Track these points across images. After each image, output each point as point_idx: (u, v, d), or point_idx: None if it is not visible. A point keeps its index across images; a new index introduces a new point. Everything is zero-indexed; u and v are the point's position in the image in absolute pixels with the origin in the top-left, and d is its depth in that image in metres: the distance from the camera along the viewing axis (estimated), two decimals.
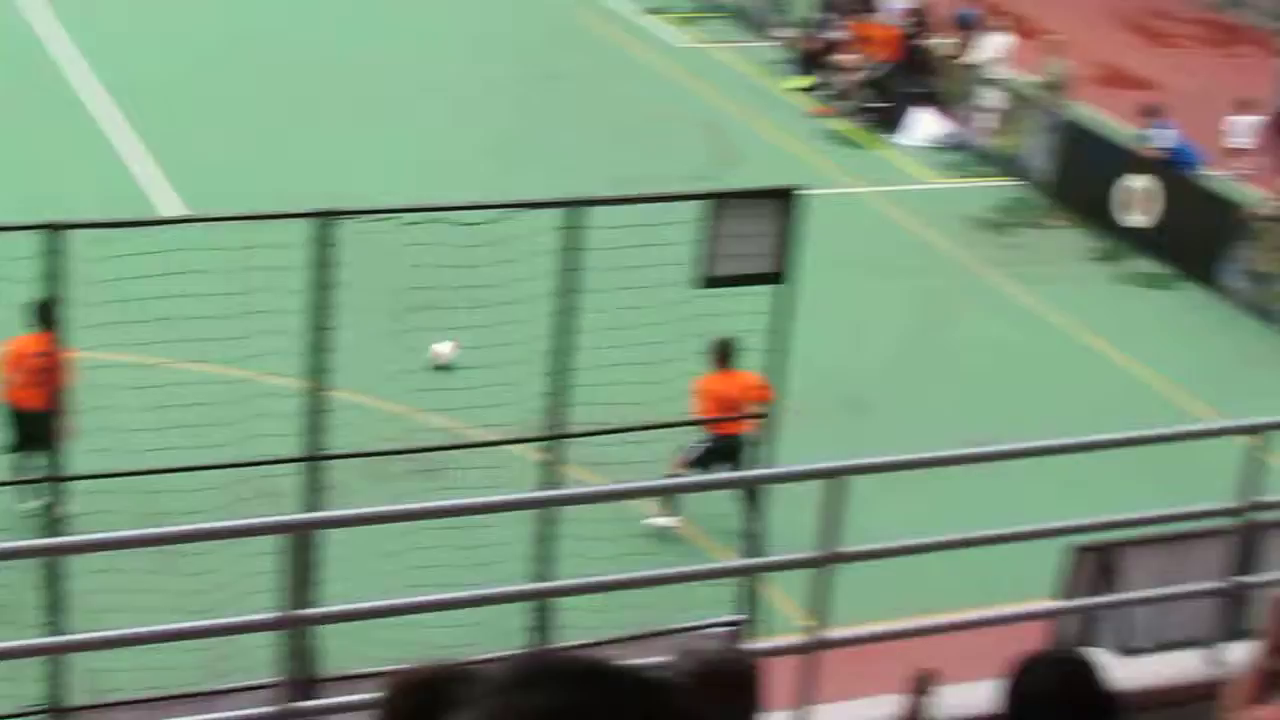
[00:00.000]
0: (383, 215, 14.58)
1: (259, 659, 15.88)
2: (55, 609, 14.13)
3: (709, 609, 15.96)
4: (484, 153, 29.82)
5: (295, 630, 7.37)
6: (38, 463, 17.20)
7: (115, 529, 15.45)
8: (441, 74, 34.36)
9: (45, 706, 14.52)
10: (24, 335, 17.61)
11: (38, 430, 17.73)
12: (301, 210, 13.89)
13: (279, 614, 7.40)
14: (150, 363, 18.58)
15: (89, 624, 15.07)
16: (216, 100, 31.71)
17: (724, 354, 19.29)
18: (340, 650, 15.82)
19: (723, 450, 19.12)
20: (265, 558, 15.95)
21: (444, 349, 21.57)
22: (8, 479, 18.12)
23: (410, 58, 34.94)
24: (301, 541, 7.30)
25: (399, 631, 16.01)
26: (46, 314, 17.32)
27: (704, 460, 19.32)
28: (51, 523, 14.04)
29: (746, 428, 18.56)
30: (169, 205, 27.17)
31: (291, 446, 15.71)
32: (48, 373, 16.05)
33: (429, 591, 14.35)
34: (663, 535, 19.60)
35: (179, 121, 30.55)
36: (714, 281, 15.46)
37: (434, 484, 18.16)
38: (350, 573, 15.82)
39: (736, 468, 18.83)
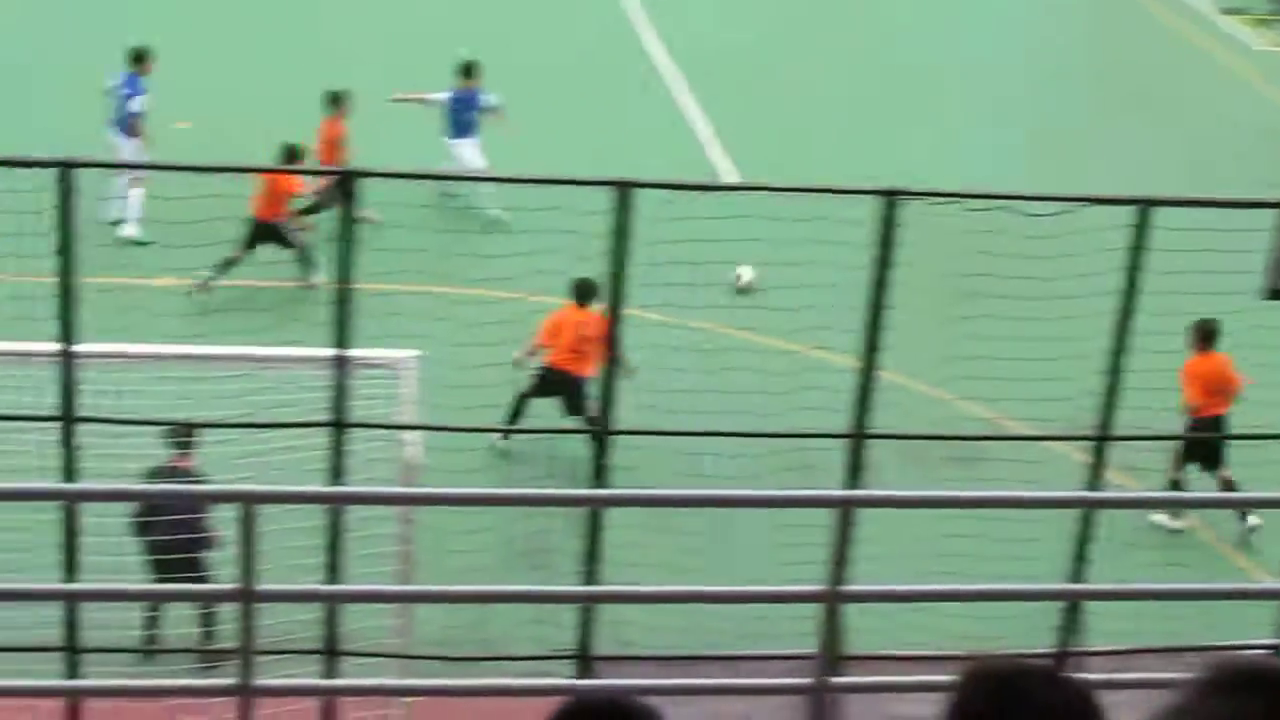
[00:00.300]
0: (948, 199, 14.41)
1: (786, 628, 16.02)
2: (591, 559, 14.43)
3: (1244, 626, 15.40)
4: (1040, 143, 29.36)
5: (832, 605, 7.29)
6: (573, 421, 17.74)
7: (653, 485, 15.83)
8: (995, 59, 33.94)
9: (573, 653, 14.86)
10: (570, 309, 18.21)
11: (573, 393, 18.27)
12: (869, 188, 13.82)
13: (819, 588, 7.34)
14: (702, 326, 18.84)
15: (617, 577, 15.39)
16: (780, 73, 31.98)
17: (1206, 336, 18.80)
18: (866, 630, 15.81)
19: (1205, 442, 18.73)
20: (796, 530, 16.18)
21: (746, 272, 21.13)
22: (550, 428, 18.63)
23: (966, 43, 34.62)
24: (845, 518, 7.22)
25: (926, 617, 15.92)
26: (586, 291, 17.88)
27: (1194, 455, 18.90)
28: (597, 474, 14.33)
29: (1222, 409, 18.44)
30: (727, 172, 27.53)
31: (832, 422, 15.73)
32: (588, 345, 16.53)
33: (959, 580, 14.22)
34: (1172, 536, 19.08)
35: (741, 91, 30.93)
36: None
37: (970, 473, 17.97)
38: (881, 554, 15.78)
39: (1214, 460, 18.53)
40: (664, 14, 34.42)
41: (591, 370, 18.08)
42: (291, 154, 22.59)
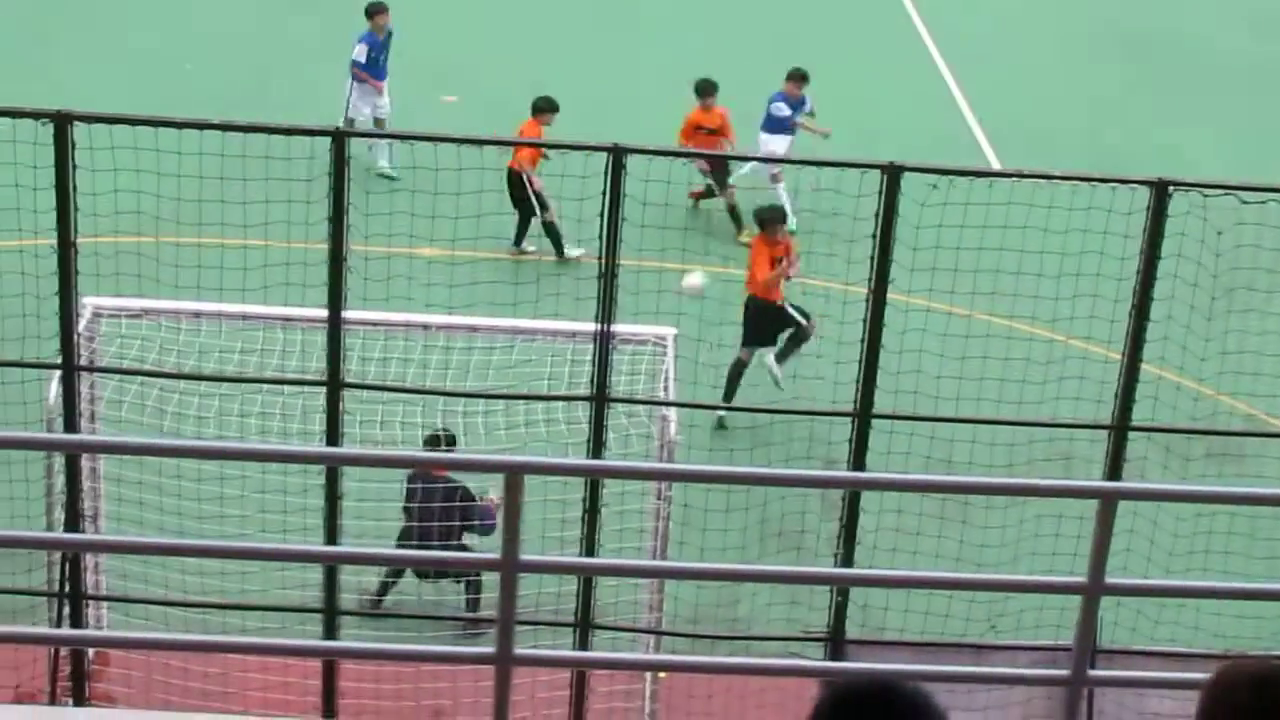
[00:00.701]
0: (1221, 191, 14.18)
1: (1030, 619, 15.90)
2: (845, 541, 14.44)
3: None
4: None
5: (1092, 598, 7.22)
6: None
7: (907, 471, 15.77)
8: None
9: (824, 635, 14.89)
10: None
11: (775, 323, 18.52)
12: (1139, 178, 13.65)
13: (1079, 579, 7.28)
14: (961, 312, 18.72)
15: (871, 561, 15.38)
16: (1047, 60, 31.61)
17: None
18: (1114, 624, 15.65)
19: None
20: (1047, 520, 16.04)
21: (694, 280, 20.11)
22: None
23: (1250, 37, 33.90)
24: (1108, 509, 7.15)
25: (1182, 613, 15.72)
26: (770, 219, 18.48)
27: None
28: (854, 456, 14.33)
29: None
30: (993, 159, 27.32)
31: (1093, 414, 15.56)
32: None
33: (1216, 578, 14.03)
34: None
35: (1007, 76, 30.65)
36: None
37: (1232, 470, 17.67)
38: (1135, 547, 15.60)
39: None
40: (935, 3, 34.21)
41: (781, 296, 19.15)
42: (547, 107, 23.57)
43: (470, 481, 16.48)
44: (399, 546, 16.50)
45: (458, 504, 16.31)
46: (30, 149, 14.20)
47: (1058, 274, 16.18)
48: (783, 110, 25.39)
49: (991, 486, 8.92)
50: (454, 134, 14.48)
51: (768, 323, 19.35)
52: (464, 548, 16.40)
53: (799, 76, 25.83)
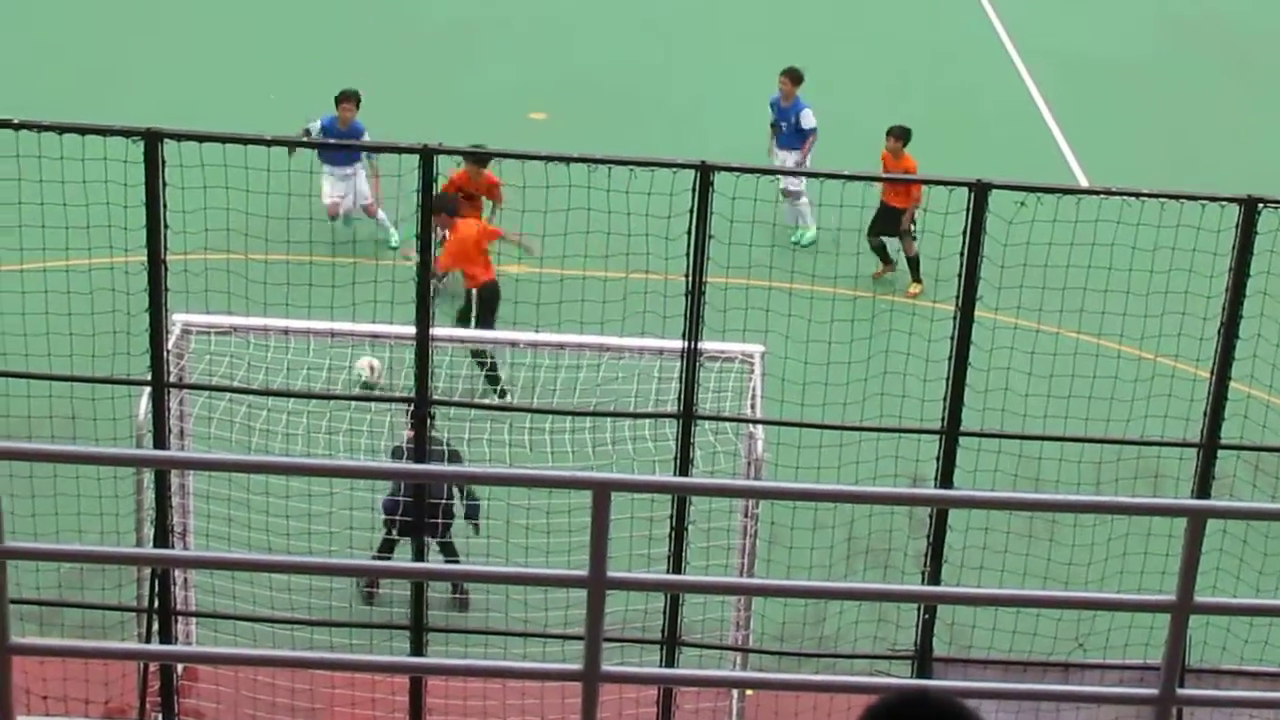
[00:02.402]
0: None
1: (1119, 638, 15.80)
2: (933, 559, 14.40)
3: None
4: None
5: (1181, 616, 7.17)
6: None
7: (995, 489, 15.71)
8: None
9: (911, 652, 14.85)
10: None
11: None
12: (1226, 195, 13.55)
13: (1168, 598, 7.23)
14: (1049, 330, 18.63)
15: (958, 578, 15.32)
16: (1137, 71, 31.43)
17: None
18: (1209, 642, 15.53)
19: None
20: (1136, 538, 15.94)
21: (366, 364, 19.44)
22: None
23: None
24: (1197, 527, 7.10)
25: (1271, 632, 15.59)
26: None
27: None
28: (942, 474, 14.29)
29: None
30: (1080, 175, 27.20)
31: (1182, 432, 15.46)
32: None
33: None
34: None
35: (1099, 94, 30.50)
36: None
37: None
38: (1224, 565, 15.49)
39: None
40: (1018, 15, 34.05)
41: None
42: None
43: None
44: (387, 517, 16.57)
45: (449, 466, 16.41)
46: (121, 167, 14.33)
47: (1146, 291, 16.09)
48: (811, 120, 24.98)
49: (1079, 504, 8.85)
50: (542, 151, 14.53)
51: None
52: (450, 511, 16.53)
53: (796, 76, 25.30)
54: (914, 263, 23.33)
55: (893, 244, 23.53)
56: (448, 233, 20.52)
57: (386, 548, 16.87)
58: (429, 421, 16.49)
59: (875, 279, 23.13)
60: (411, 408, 16.42)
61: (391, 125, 21.96)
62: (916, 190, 22.78)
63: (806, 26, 32.84)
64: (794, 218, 24.63)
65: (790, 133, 24.93)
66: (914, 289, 22.96)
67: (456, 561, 16.67)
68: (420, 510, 15.22)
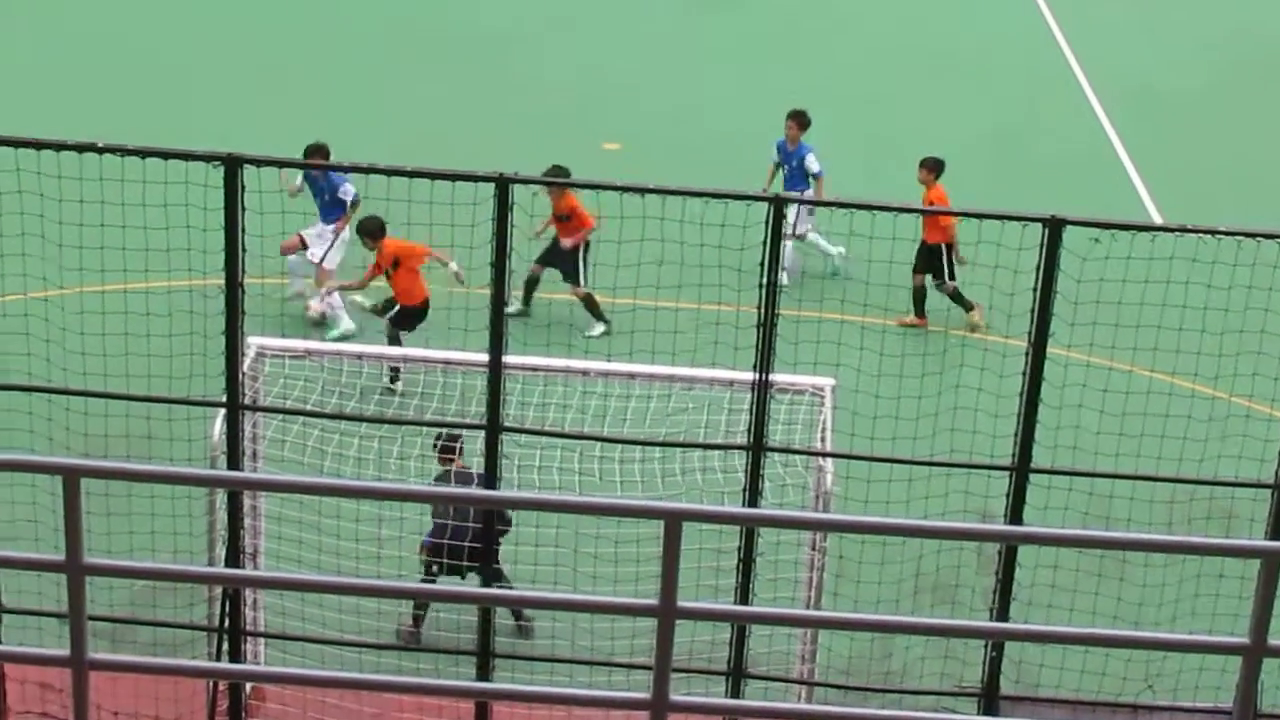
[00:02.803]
0: None
1: (1189, 680, 15.72)
2: (1001, 596, 14.36)
3: None
4: None
5: (1255, 659, 7.15)
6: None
7: (1065, 526, 15.67)
8: None
9: (978, 689, 14.81)
10: None
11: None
12: None
13: (1241, 640, 7.21)
14: (1122, 368, 18.58)
15: (1026, 616, 15.28)
16: (1210, 107, 31.30)
17: None
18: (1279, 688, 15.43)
19: None
20: (1208, 579, 15.86)
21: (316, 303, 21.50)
22: None
23: None
24: (1272, 569, 7.07)
25: None
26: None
27: None
28: (1012, 511, 14.25)
29: None
30: (1154, 211, 27.11)
31: (1257, 472, 15.38)
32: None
33: None
34: None
35: (1173, 127, 30.41)
36: None
37: None
38: None
39: None
40: (1092, 49, 33.99)
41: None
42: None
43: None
44: (432, 545, 16.65)
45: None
46: (201, 191, 14.46)
47: (1220, 330, 16.03)
48: (815, 165, 24.54)
49: (1150, 543, 8.79)
50: (615, 181, 14.59)
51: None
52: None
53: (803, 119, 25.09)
54: (956, 297, 23.21)
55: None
56: (375, 254, 21.30)
57: (448, 572, 16.94)
58: (458, 449, 16.61)
59: (899, 325, 22.92)
60: (439, 440, 16.55)
61: (464, 154, 22.09)
62: (947, 223, 22.61)
63: (876, 59, 32.86)
64: (794, 263, 24.06)
65: (795, 175, 24.82)
66: (974, 317, 22.70)
67: (508, 587, 16.73)
68: (491, 534, 15.32)
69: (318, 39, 32.58)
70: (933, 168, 23.49)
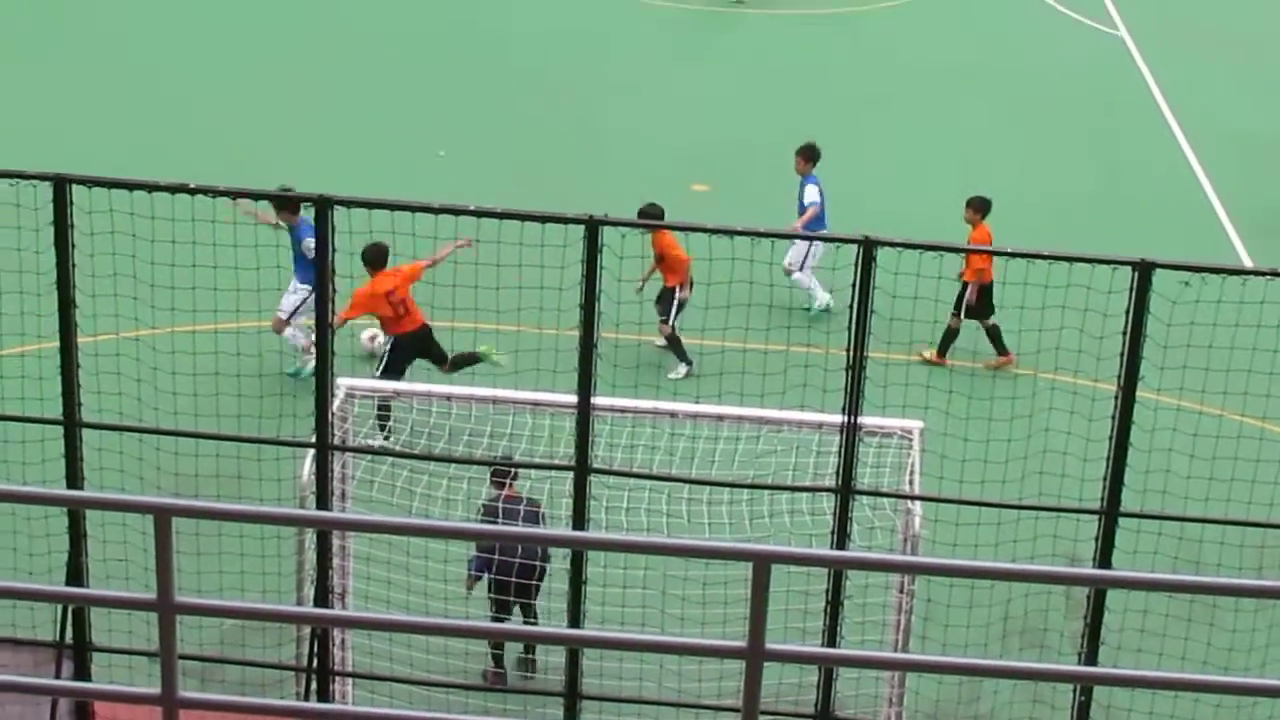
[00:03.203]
0: None
1: None
2: (1090, 640, 14.27)
3: None
4: None
5: None
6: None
7: (1154, 570, 15.55)
8: None
9: None
10: None
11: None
12: None
13: None
14: (1212, 412, 18.47)
15: (1114, 660, 15.16)
16: None
17: None
18: None
19: None
20: None
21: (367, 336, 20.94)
22: None
23: None
24: None
25: None
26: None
27: None
28: (1101, 555, 14.18)
29: None
30: (1244, 254, 26.94)
31: None
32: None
33: None
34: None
35: (1262, 170, 30.24)
36: None
37: None
38: None
39: None
40: (1183, 92, 33.87)
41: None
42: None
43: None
44: (478, 575, 16.74)
45: (539, 527, 16.60)
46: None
47: None
48: (810, 196, 24.38)
49: (1240, 588, 8.71)
50: (705, 223, 14.62)
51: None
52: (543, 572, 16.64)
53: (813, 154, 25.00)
54: (950, 335, 22.94)
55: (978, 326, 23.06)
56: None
57: (500, 607, 16.99)
58: (512, 476, 16.65)
59: (986, 368, 22.80)
60: (493, 471, 16.58)
61: (551, 197, 22.19)
62: (980, 262, 22.41)
63: (969, 103, 32.82)
64: (811, 284, 24.08)
65: (800, 207, 24.83)
66: (997, 361, 22.80)
67: (535, 623, 16.77)
68: (541, 567, 15.38)
69: (410, 82, 32.81)
70: (979, 207, 23.40)
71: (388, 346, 20.73)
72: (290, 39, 35.26)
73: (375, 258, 20.55)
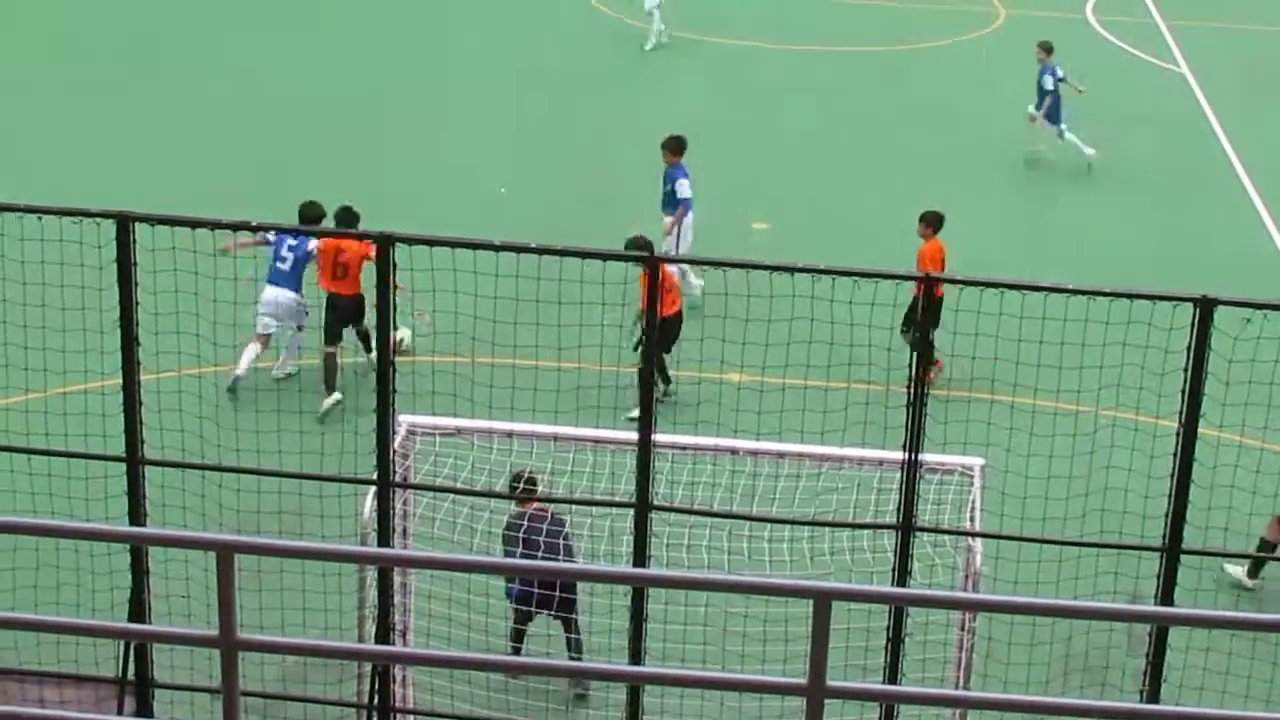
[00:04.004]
0: None
1: None
2: (1152, 678, 14.20)
3: None
4: None
5: None
6: None
7: (1216, 608, 15.46)
8: None
9: None
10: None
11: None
12: None
13: None
14: (1275, 449, 18.37)
15: (1177, 698, 15.08)
16: None
17: None
18: None
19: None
20: None
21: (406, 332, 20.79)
22: None
23: None
24: None
25: None
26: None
27: None
28: (1163, 592, 14.11)
29: None
30: None
31: None
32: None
33: None
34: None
35: None
36: None
37: None
38: None
39: None
40: (1247, 133, 33.75)
41: None
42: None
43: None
44: (520, 594, 16.78)
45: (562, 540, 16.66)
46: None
47: None
48: (684, 190, 25.42)
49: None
50: (765, 260, 14.64)
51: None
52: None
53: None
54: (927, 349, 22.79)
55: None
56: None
57: (518, 637, 16.98)
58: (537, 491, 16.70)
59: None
60: (518, 480, 16.58)
61: (611, 235, 22.23)
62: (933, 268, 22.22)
63: (1031, 157, 32.78)
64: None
65: (668, 199, 25.67)
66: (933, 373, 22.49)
67: (578, 639, 16.87)
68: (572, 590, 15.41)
69: (471, 120, 32.95)
70: (931, 222, 23.43)
71: (324, 304, 21.18)
72: (352, 77, 35.49)
73: (344, 219, 21.22)
